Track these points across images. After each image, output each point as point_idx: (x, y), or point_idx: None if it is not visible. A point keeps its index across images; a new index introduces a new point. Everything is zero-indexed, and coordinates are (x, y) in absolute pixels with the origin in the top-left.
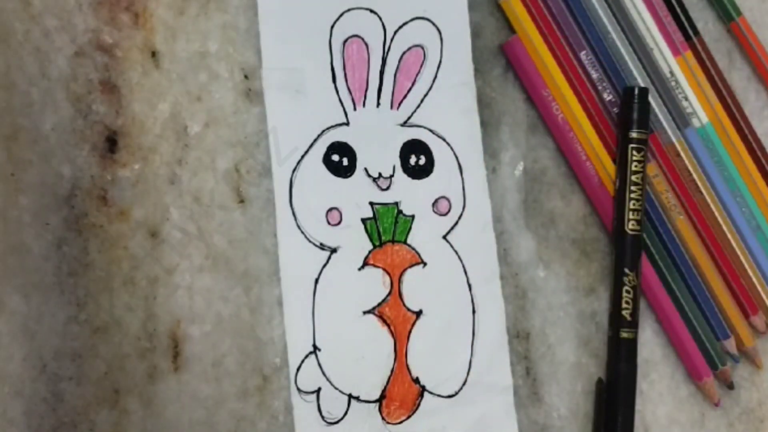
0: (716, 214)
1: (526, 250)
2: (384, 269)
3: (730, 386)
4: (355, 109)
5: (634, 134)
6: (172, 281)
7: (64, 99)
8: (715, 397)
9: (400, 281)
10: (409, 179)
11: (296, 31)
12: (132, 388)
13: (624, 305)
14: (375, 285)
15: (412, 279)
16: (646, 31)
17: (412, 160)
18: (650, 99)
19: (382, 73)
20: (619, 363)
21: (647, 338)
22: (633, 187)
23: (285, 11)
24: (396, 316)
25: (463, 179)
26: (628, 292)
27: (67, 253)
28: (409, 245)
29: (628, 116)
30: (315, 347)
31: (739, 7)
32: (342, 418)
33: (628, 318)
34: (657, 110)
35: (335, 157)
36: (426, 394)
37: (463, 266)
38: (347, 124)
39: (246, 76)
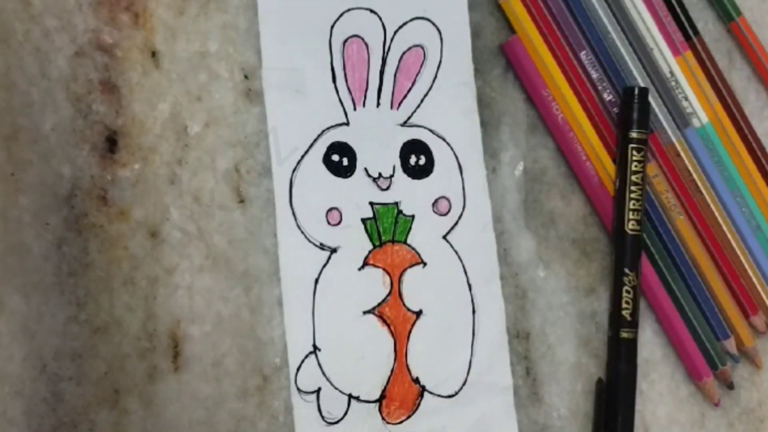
0: (716, 214)
1: (526, 250)
2: (384, 269)
3: (730, 386)
4: (355, 109)
5: (634, 134)
6: (172, 281)
7: (64, 99)
8: (715, 397)
9: (400, 281)
10: (409, 179)
11: (296, 31)
12: (132, 388)
13: (624, 305)
14: (375, 285)
15: (412, 279)
16: (646, 31)
17: (412, 160)
18: (650, 99)
19: (382, 73)
20: (619, 363)
21: (647, 338)
22: (633, 187)
23: (285, 11)
24: (396, 316)
25: (463, 179)
26: (628, 292)
27: (67, 253)
28: (409, 245)
29: (628, 116)
30: (315, 347)
31: (739, 7)
32: (342, 418)
33: (628, 318)
34: (657, 110)
35: (335, 157)
36: (426, 394)
37: (463, 266)
38: (347, 124)
39: (246, 76)
